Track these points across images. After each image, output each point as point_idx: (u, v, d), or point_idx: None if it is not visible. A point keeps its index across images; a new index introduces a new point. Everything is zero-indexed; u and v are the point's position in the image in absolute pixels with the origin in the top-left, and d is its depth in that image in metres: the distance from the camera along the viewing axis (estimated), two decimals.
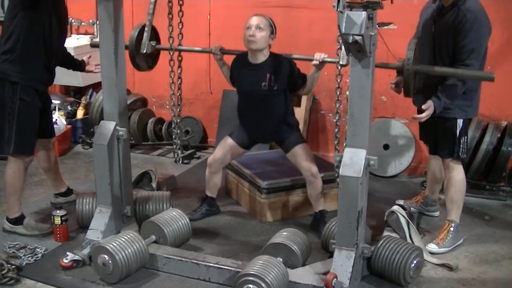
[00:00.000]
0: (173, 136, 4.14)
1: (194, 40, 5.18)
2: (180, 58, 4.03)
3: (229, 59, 4.05)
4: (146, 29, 3.79)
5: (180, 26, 3.91)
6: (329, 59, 3.64)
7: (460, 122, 3.61)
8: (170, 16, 3.84)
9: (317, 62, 3.65)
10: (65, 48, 4.02)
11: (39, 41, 3.60)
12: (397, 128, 5.15)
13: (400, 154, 5.13)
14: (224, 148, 4.09)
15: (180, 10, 3.87)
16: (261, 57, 3.85)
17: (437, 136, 3.71)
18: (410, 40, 3.26)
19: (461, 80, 3.38)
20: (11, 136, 3.63)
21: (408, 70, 3.13)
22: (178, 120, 4.12)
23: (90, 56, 4.18)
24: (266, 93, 3.84)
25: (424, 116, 3.42)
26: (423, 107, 3.42)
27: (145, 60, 3.96)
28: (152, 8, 3.80)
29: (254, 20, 3.79)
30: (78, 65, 4.16)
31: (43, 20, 3.58)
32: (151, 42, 3.83)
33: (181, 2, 3.86)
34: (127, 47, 3.72)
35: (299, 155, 3.92)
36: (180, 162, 4.25)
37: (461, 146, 3.65)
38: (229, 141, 4.09)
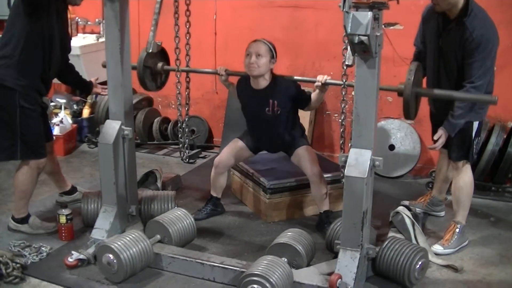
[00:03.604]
0: (179, 135, 4.12)
1: (200, 40, 5.19)
2: (187, 58, 4.02)
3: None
4: (152, 28, 3.78)
5: (188, 25, 3.90)
6: (332, 81, 3.63)
7: (475, 124, 3.63)
8: (176, 15, 3.82)
9: (320, 84, 3.63)
10: (73, 66, 4.05)
11: (37, 51, 3.57)
12: (403, 129, 5.14)
13: (405, 155, 5.13)
14: (232, 150, 4.10)
15: (187, 10, 3.85)
16: (263, 82, 3.84)
17: (452, 139, 3.70)
18: (411, 62, 3.25)
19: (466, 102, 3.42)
20: (15, 143, 3.61)
21: (407, 93, 3.09)
22: (186, 119, 4.11)
23: (97, 78, 4.19)
24: (271, 118, 3.87)
25: (438, 145, 3.53)
26: (435, 137, 3.52)
27: (154, 80, 3.98)
28: (158, 8, 3.79)
29: (253, 47, 3.76)
30: (86, 86, 4.18)
31: (43, 32, 3.55)
32: (156, 42, 3.82)
33: (188, 2, 3.85)
34: (134, 68, 3.74)
35: (302, 156, 3.93)
36: (187, 160, 4.21)
37: (474, 147, 3.68)
38: (238, 144, 4.10)
